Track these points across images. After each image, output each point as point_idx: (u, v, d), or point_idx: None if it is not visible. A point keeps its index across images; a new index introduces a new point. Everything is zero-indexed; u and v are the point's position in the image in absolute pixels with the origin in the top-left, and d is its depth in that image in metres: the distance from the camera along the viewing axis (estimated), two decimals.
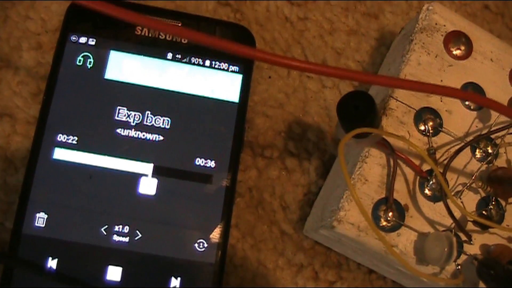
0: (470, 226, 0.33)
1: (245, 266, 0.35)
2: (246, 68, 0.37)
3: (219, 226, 0.34)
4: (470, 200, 0.34)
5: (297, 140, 0.37)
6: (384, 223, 0.32)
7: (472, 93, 0.35)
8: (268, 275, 0.36)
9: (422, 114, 0.34)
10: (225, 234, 0.34)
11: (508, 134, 0.34)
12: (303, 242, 0.36)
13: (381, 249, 0.32)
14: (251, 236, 0.36)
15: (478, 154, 0.34)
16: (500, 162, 0.34)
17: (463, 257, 0.33)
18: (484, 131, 0.34)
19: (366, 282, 0.37)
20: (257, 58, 0.26)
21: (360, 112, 0.30)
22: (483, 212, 0.33)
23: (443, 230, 0.33)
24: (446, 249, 0.31)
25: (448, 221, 0.33)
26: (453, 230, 0.33)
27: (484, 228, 0.33)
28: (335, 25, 0.39)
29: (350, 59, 0.39)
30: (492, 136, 0.35)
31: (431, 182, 0.33)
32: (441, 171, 0.33)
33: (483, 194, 0.34)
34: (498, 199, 0.34)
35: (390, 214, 0.32)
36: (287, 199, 0.36)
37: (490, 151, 0.34)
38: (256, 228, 0.36)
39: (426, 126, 0.34)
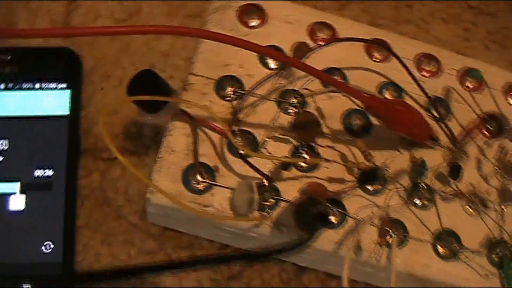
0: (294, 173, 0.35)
1: (99, 262, 0.37)
2: (73, 83, 0.40)
3: (63, 225, 0.36)
4: (285, 151, 0.35)
5: (134, 138, 0.40)
6: (196, 186, 0.34)
7: (270, 49, 0.36)
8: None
9: (223, 83, 0.36)
10: (69, 232, 0.36)
11: (313, 92, 0.36)
12: (151, 229, 0.38)
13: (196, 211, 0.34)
14: (100, 232, 0.38)
15: (285, 108, 0.36)
16: None
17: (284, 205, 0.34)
18: (288, 87, 0.36)
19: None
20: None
21: (137, 82, 0.33)
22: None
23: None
24: (247, 194, 0.32)
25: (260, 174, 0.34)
26: (266, 181, 0.34)
27: (285, 168, 0.34)
28: None
29: (177, 58, 0.42)
30: (297, 89, 0.36)
31: (237, 140, 0.35)
32: (247, 129, 0.35)
33: (296, 143, 0.35)
34: (312, 144, 0.35)
35: (199, 176, 0.34)
36: (131, 193, 0.38)
37: (294, 101, 0.36)
38: (105, 225, 0.38)
39: (228, 92, 0.36)
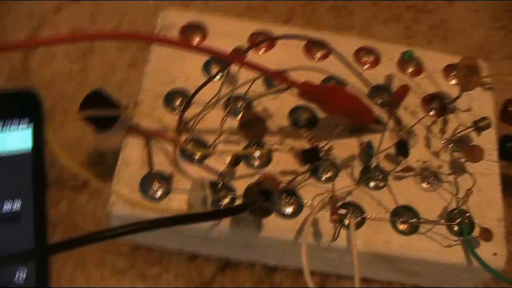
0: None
1: (74, 286, 0.38)
2: (35, 121, 0.42)
3: (34, 254, 0.37)
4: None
5: (97, 165, 0.41)
6: (153, 194, 0.35)
7: (218, 49, 0.38)
8: None
9: (171, 96, 0.38)
10: (41, 260, 0.37)
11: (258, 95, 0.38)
12: (121, 248, 0.39)
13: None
14: (72, 257, 0.39)
15: (232, 112, 0.38)
16: None
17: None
18: (234, 93, 0.38)
19: (191, 267, 0.39)
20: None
21: (87, 102, 0.34)
22: None
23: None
24: (200, 192, 0.33)
25: (214, 175, 0.35)
26: (220, 179, 0.35)
27: (235, 164, 0.35)
28: (114, 65, 0.45)
29: (132, 87, 0.43)
30: (242, 94, 0.38)
31: (188, 147, 0.36)
32: (197, 136, 0.37)
33: (246, 142, 0.37)
34: (260, 142, 0.37)
35: (156, 184, 0.35)
36: (98, 216, 0.40)
37: (240, 105, 0.38)
38: (75, 250, 0.39)
39: (177, 105, 0.38)
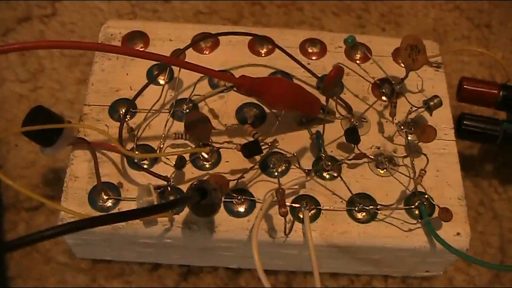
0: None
1: None
2: None
3: None
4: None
5: (53, 184, 0.41)
6: (103, 205, 0.34)
7: (145, 52, 0.38)
8: None
9: (116, 107, 0.38)
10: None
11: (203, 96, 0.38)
12: (81, 264, 0.38)
13: (109, 228, 0.34)
14: (32, 278, 0.38)
15: (178, 116, 0.37)
16: None
17: None
18: (178, 97, 0.38)
19: (153, 278, 0.38)
20: None
21: (29, 119, 0.34)
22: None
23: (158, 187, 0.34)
24: (146, 198, 0.33)
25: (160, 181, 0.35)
26: (167, 183, 0.35)
27: (181, 167, 0.35)
28: (64, 82, 0.44)
29: (82, 103, 0.43)
30: (187, 97, 0.38)
31: (134, 154, 0.35)
32: (144, 143, 0.36)
33: (193, 145, 0.36)
34: (208, 143, 0.36)
35: (104, 195, 0.35)
36: None
37: (186, 108, 0.37)
38: (35, 270, 0.38)
39: (120, 115, 0.37)
